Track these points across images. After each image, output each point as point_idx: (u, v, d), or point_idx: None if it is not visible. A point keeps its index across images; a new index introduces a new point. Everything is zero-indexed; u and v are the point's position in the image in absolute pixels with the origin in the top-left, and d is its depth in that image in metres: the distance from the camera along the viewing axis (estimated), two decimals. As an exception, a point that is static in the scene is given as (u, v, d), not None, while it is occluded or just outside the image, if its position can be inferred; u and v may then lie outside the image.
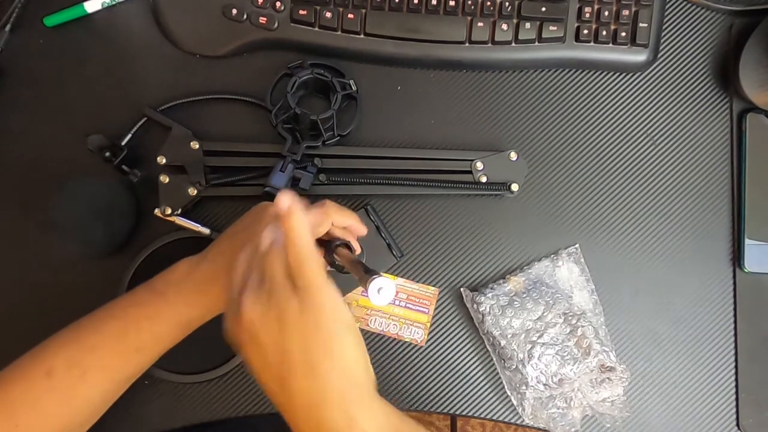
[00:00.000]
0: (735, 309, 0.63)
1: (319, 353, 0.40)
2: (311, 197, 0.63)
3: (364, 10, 0.62)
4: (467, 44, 0.62)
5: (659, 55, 0.65)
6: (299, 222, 0.42)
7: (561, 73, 0.65)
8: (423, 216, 0.63)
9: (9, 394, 0.47)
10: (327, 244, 0.51)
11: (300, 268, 0.42)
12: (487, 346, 0.62)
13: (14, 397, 0.47)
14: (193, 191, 0.60)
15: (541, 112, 0.65)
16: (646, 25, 0.62)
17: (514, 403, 0.60)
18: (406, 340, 0.62)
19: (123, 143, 0.60)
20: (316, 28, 0.62)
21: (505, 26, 0.62)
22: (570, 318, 0.59)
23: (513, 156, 0.62)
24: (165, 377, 0.59)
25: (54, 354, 0.49)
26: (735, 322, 0.63)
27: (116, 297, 0.59)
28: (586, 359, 0.58)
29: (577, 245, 0.63)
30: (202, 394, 0.61)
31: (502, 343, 0.59)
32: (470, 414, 0.62)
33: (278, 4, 0.62)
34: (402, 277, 0.63)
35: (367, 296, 0.43)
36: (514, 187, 0.61)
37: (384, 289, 0.43)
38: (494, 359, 0.61)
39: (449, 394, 0.62)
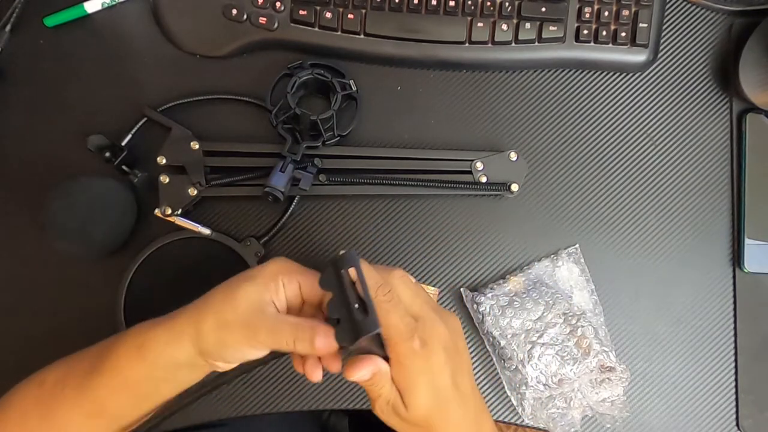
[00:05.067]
0: (735, 309, 0.63)
1: (464, 372, 0.48)
2: (311, 197, 0.63)
3: (364, 11, 0.62)
4: (467, 44, 0.62)
5: (659, 55, 0.65)
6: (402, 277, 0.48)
7: (561, 73, 0.65)
8: (423, 216, 0.63)
9: (11, 396, 0.49)
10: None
11: (433, 301, 0.49)
12: (487, 347, 0.62)
13: (11, 402, 0.49)
14: (193, 191, 0.60)
15: (541, 112, 0.65)
16: (646, 25, 0.62)
17: (514, 403, 0.60)
18: (406, 340, 0.62)
19: (123, 143, 0.60)
20: (316, 29, 0.62)
21: (505, 26, 0.62)
22: (570, 318, 0.59)
23: (513, 156, 0.62)
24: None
25: (50, 370, 0.50)
26: (735, 322, 0.63)
27: (116, 297, 0.59)
28: (586, 359, 0.58)
29: (577, 245, 0.63)
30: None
31: (502, 343, 0.59)
32: (470, 414, 0.62)
33: (278, 4, 0.62)
34: (402, 277, 0.63)
35: None
36: (514, 187, 0.61)
37: None
38: (494, 359, 0.61)
39: (449, 394, 0.62)
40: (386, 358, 0.45)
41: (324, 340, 0.43)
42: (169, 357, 0.46)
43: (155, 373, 0.46)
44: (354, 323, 0.42)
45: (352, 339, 0.42)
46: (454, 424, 0.46)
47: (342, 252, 0.44)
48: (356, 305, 0.43)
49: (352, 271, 0.44)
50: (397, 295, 0.45)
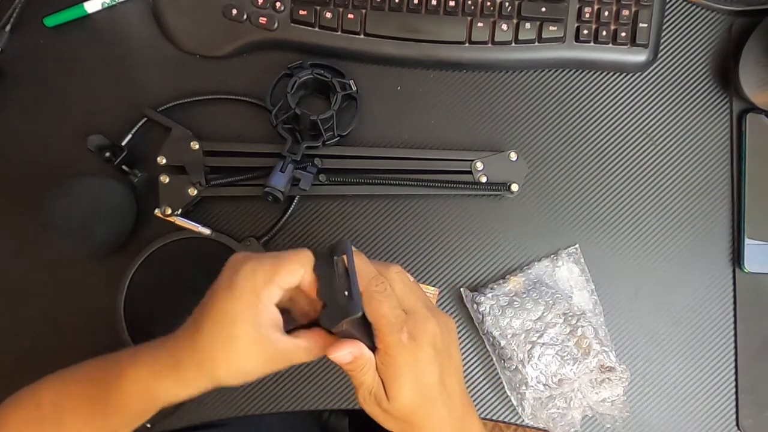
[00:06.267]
0: (735, 309, 0.63)
1: (453, 373, 0.47)
2: (311, 197, 0.63)
3: (364, 11, 0.62)
4: (467, 44, 0.62)
5: (659, 55, 0.65)
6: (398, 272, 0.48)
7: (561, 73, 0.65)
8: (423, 216, 0.63)
9: (6, 418, 0.49)
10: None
11: (428, 299, 0.48)
12: (487, 347, 0.62)
13: (10, 422, 0.49)
14: (193, 191, 0.60)
15: (541, 112, 0.65)
16: (646, 25, 0.62)
17: (514, 403, 0.60)
18: (406, 340, 0.62)
19: (123, 143, 0.60)
20: (316, 29, 0.62)
21: (505, 26, 0.62)
22: (570, 318, 0.59)
23: (513, 156, 0.62)
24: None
25: (44, 389, 0.49)
26: (735, 322, 0.63)
27: (116, 297, 0.59)
28: (585, 359, 0.58)
29: (577, 245, 0.63)
30: (203, 393, 0.61)
31: (502, 343, 0.59)
32: (470, 414, 0.62)
33: (278, 4, 0.62)
34: (402, 277, 0.63)
35: None
36: (514, 187, 0.61)
37: None
38: (494, 359, 0.61)
39: (449, 394, 0.62)
40: (375, 351, 0.45)
41: (336, 354, 0.45)
42: (182, 398, 0.46)
43: (166, 405, 0.47)
44: (339, 307, 0.43)
45: (334, 322, 0.43)
46: (438, 423, 0.46)
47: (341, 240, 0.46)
48: (345, 292, 0.44)
49: (344, 258, 0.45)
50: (389, 287, 0.45)
